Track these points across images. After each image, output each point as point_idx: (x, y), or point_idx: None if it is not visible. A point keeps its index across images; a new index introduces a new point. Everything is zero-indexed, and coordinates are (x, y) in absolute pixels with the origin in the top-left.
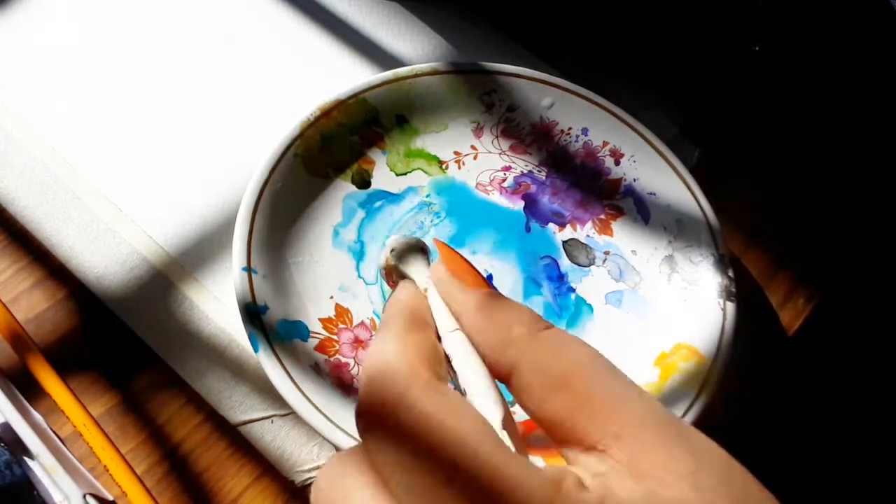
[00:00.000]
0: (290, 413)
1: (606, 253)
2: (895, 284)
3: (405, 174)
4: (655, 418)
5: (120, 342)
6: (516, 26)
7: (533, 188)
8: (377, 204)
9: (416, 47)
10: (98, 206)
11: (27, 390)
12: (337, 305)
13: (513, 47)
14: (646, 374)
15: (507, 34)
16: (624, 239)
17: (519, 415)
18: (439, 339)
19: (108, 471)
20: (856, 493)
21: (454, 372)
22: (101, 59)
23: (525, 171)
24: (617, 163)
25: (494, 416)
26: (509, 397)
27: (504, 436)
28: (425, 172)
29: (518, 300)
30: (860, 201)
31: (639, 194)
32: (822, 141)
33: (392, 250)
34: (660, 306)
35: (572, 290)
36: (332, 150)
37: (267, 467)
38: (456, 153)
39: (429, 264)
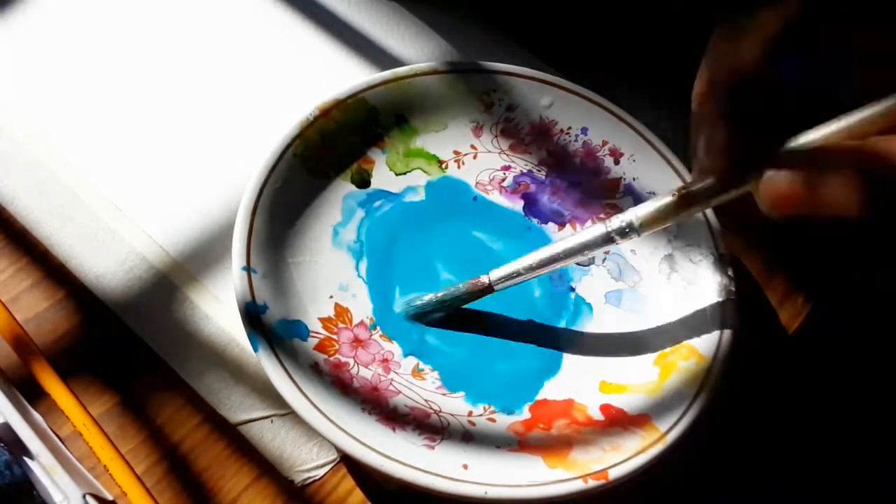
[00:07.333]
0: (289, 413)
1: (606, 252)
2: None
3: (405, 174)
4: None
5: (119, 342)
6: (516, 26)
7: (532, 187)
8: (377, 203)
9: (416, 47)
10: (97, 205)
11: (27, 390)
12: (336, 305)
13: (512, 47)
14: (645, 373)
15: (506, 34)
16: None
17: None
18: None
19: (107, 471)
20: (856, 492)
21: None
22: (101, 58)
23: (524, 171)
24: (616, 162)
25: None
26: None
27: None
28: (425, 172)
29: (518, 299)
30: None
31: (638, 193)
32: None
33: None
34: (659, 305)
35: (572, 289)
36: (332, 149)
37: (266, 467)
38: (455, 152)
39: None
